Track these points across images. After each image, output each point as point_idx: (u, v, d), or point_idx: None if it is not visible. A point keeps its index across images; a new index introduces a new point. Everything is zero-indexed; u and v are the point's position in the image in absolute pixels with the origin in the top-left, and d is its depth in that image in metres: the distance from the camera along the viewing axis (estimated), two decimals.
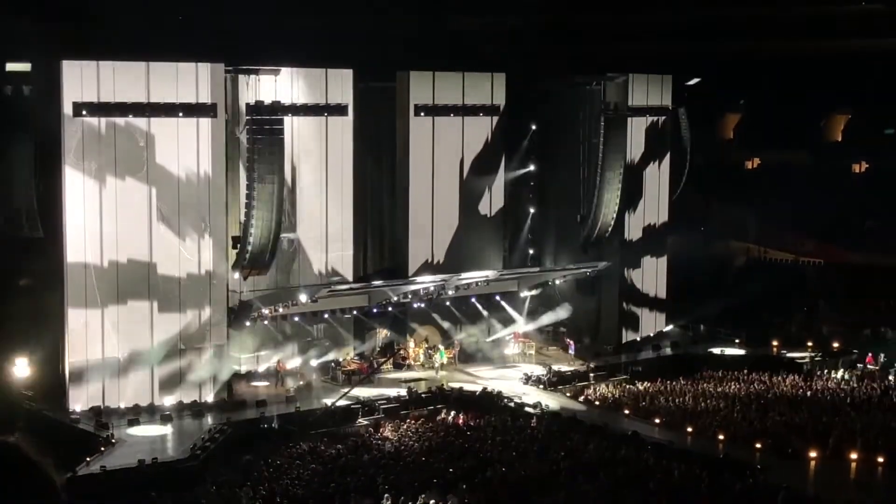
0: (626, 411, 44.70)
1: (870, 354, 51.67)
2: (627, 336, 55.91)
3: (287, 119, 45.95)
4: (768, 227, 67.26)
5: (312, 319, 48.46)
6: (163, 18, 47.09)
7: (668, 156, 57.72)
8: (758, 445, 39.82)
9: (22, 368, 43.17)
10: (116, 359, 42.98)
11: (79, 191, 42.43)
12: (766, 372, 50.48)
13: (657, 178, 57.39)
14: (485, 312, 53.43)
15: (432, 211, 52.40)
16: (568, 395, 47.33)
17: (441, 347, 51.34)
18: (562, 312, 55.17)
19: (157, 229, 43.46)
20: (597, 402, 46.32)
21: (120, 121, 42.68)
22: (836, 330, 56.74)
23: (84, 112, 42.10)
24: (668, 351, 54.93)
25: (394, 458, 38.46)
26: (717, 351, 54.68)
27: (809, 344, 54.87)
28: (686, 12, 64.50)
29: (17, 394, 42.76)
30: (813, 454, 38.94)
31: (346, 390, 45.43)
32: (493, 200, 54.24)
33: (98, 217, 42.63)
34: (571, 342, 53.50)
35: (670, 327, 57.69)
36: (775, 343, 55.12)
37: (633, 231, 56.31)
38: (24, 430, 40.77)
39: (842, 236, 64.34)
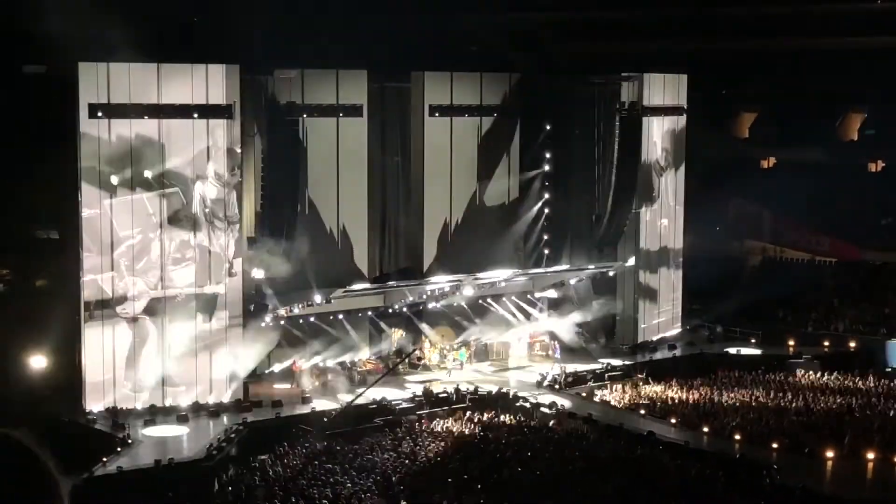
0: (642, 411, 44.64)
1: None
2: (643, 336, 55.80)
3: (302, 120, 46.10)
4: (784, 225, 67.08)
5: (328, 320, 48.49)
6: (178, 20, 47.18)
7: (683, 155, 57.62)
8: (774, 445, 39.74)
9: (38, 369, 43.32)
10: (132, 358, 43.09)
11: (95, 192, 42.60)
12: (783, 371, 50.40)
13: (673, 177, 57.30)
14: (500, 312, 53.36)
15: (448, 211, 52.41)
16: (583, 395, 47.29)
17: (462, 347, 51.39)
18: (579, 313, 55.01)
19: (171, 229, 43.55)
20: (612, 402, 46.26)
21: (135, 122, 42.81)
22: (853, 328, 56.56)
23: (99, 113, 42.26)
24: (685, 350, 54.82)
25: (410, 458, 38.50)
26: (732, 350, 54.55)
27: (825, 343, 54.73)
28: (701, 10, 64.37)
29: (28, 390, 42.84)
30: (829, 453, 38.84)
31: (361, 391, 45.49)
32: (508, 200, 54.24)
33: (114, 217, 42.77)
34: (556, 345, 53.24)
35: (686, 327, 57.58)
36: (791, 342, 54.95)
37: (649, 230, 56.21)
38: (29, 425, 40.93)
39: (857, 235, 64.10)
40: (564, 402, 45.42)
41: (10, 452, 2.87)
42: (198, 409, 43.60)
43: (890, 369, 50.75)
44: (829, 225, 65.28)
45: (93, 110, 42.19)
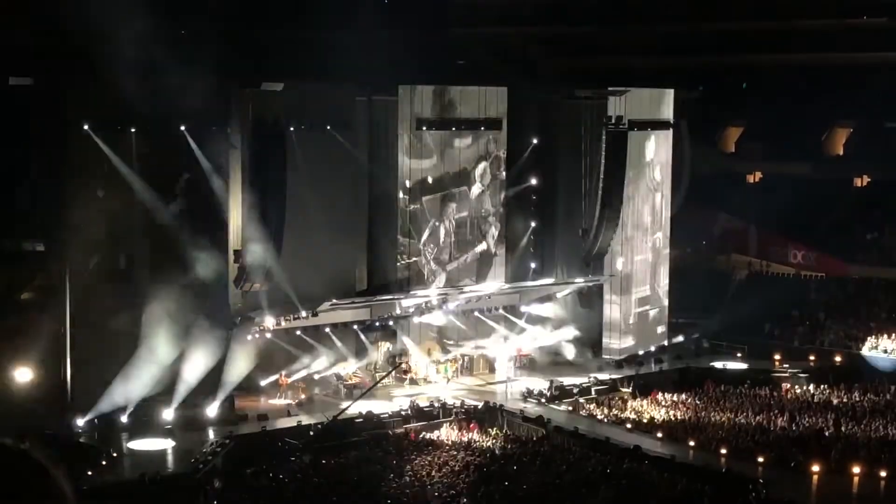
0: (628, 425, 44.65)
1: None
2: (630, 350, 55.77)
3: (289, 133, 46.06)
4: (770, 240, 67.26)
5: (314, 333, 48.39)
6: (166, 32, 47.06)
7: (669, 169, 57.77)
8: (760, 459, 39.78)
9: (25, 382, 43.12)
10: (118, 373, 42.91)
11: (81, 204, 42.49)
12: (769, 386, 50.49)
13: (660, 190, 57.41)
14: (487, 326, 53.31)
15: (434, 224, 52.38)
16: (570, 408, 47.28)
17: (449, 361, 51.33)
18: (564, 328, 54.88)
19: (160, 241, 43.43)
20: (598, 416, 46.27)
21: (124, 134, 42.69)
22: (838, 343, 56.69)
23: (86, 125, 42.16)
24: (671, 365, 54.88)
25: (396, 472, 38.43)
26: (719, 365, 54.63)
27: (811, 357, 54.86)
28: (687, 25, 64.63)
29: (13, 404, 42.63)
30: (815, 468, 38.89)
31: (347, 404, 45.40)
32: (495, 214, 54.27)
33: (100, 230, 42.66)
34: (511, 363, 52.32)
35: (673, 341, 57.64)
36: (777, 357, 55.04)
37: (636, 244, 56.25)
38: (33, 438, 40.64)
39: (843, 249, 64.30)
40: (551, 416, 45.38)
41: (25, 466, 2.84)
42: (183, 422, 43.32)
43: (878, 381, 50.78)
44: (815, 239, 65.44)
45: (79, 122, 42.07)
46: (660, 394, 49.10)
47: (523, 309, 54.09)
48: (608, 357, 55.10)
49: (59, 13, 40.54)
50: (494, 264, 54.38)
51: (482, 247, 53.94)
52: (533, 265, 56.93)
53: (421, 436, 43.31)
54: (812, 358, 54.87)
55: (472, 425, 44.58)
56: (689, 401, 48.07)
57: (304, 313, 46.25)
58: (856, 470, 38.68)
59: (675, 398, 48.47)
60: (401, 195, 51.40)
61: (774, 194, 64.85)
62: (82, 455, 39.20)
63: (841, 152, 72.41)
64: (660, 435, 43.09)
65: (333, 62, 47.16)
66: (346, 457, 40.28)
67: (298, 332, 47.74)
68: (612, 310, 55.57)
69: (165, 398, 43.57)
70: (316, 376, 48.62)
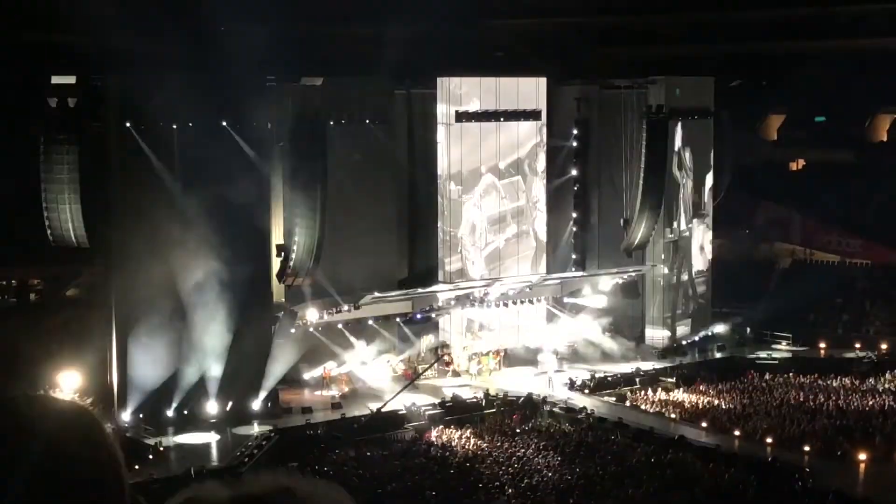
0: (673, 415, 44.49)
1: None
2: (673, 339, 55.49)
3: (329, 127, 46.17)
4: (813, 227, 66.76)
5: (357, 326, 48.54)
6: (206, 30, 47.37)
7: (711, 158, 57.41)
8: (806, 448, 39.52)
9: (71, 378, 43.50)
10: (163, 367, 43.21)
11: (126, 201, 42.83)
12: (814, 374, 50.12)
13: (702, 180, 57.05)
14: (529, 317, 53.22)
15: (475, 216, 52.34)
16: (613, 399, 47.16)
17: (490, 352, 51.29)
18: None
19: (201, 237, 43.61)
20: (642, 406, 46.13)
21: (165, 130, 42.92)
22: (884, 331, 56.19)
23: (129, 123, 42.44)
24: (715, 354, 54.63)
25: (439, 463, 38.51)
26: (763, 353, 54.30)
27: (857, 346, 54.41)
28: (728, 13, 64.19)
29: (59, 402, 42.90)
30: (862, 456, 38.59)
31: (391, 396, 45.51)
32: (536, 205, 54.16)
33: (144, 226, 42.94)
34: (552, 359, 51.71)
35: (716, 330, 57.29)
36: (822, 345, 54.67)
37: (678, 234, 55.93)
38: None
39: (888, 236, 63.66)
40: (595, 406, 45.29)
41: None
42: (228, 416, 43.55)
43: None
44: (860, 227, 64.84)
45: (123, 119, 42.37)
46: (703, 384, 48.90)
47: (565, 301, 54.01)
48: (651, 347, 54.92)
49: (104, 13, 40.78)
50: (537, 254, 54.26)
51: (524, 235, 53.83)
52: (574, 256, 56.81)
53: (463, 427, 43.30)
54: (857, 346, 54.44)
55: (514, 416, 44.56)
56: (733, 390, 47.82)
57: (346, 307, 46.41)
58: None
59: (718, 388, 48.23)
60: (443, 186, 51.45)
61: (818, 182, 64.39)
62: (129, 450, 39.53)
63: (885, 139, 71.69)
64: (704, 425, 42.90)
65: (371, 56, 47.27)
66: (389, 449, 40.41)
67: (341, 326, 47.91)
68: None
69: (210, 392, 43.86)
70: (359, 369, 48.71)
